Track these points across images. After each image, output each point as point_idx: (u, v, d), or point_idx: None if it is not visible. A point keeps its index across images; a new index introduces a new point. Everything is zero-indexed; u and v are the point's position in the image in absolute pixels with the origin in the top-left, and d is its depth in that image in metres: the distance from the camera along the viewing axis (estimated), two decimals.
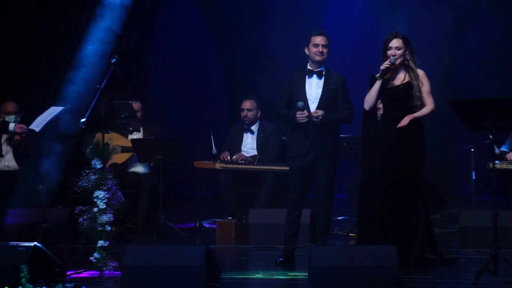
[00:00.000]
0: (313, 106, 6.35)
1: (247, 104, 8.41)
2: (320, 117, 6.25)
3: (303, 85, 6.40)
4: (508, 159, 7.92)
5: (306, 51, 6.42)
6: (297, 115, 6.29)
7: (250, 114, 8.39)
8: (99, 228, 5.86)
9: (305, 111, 6.29)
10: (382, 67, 6.01)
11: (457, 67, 10.66)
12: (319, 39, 6.36)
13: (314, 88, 6.40)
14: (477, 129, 5.80)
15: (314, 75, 6.40)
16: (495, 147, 6.75)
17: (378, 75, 6.05)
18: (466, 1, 10.23)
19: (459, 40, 10.60)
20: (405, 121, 5.95)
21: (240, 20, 10.77)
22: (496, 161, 7.05)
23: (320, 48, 6.34)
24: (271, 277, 5.89)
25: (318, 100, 6.35)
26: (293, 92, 6.43)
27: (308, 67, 6.43)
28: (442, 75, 10.42)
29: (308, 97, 6.37)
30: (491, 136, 5.62)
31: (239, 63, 10.91)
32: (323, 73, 6.40)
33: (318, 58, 6.36)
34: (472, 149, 8.35)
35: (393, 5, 10.33)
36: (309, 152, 6.35)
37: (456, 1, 10.17)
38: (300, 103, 6.29)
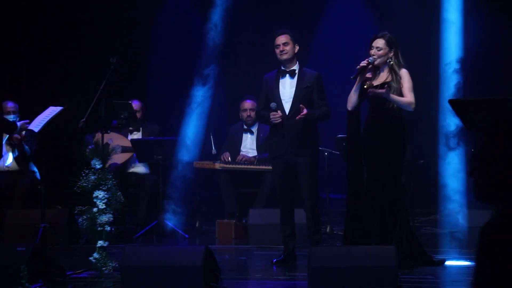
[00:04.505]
0: (287, 106, 6.38)
1: (249, 105, 8.41)
2: (304, 116, 6.21)
3: (277, 86, 6.44)
4: None
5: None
6: (271, 116, 6.32)
7: (253, 114, 8.39)
8: (99, 228, 5.86)
9: (279, 111, 6.31)
10: (357, 67, 5.97)
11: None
12: (278, 40, 6.44)
13: (287, 87, 6.43)
14: (477, 129, 5.79)
15: (287, 75, 6.44)
16: None
17: (352, 75, 5.98)
18: (466, 1, 10.22)
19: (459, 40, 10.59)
20: (376, 90, 5.88)
21: (240, 19, 10.76)
22: None
23: (281, 47, 6.40)
24: (271, 277, 5.89)
25: (291, 99, 6.37)
26: (268, 94, 6.47)
27: (282, 67, 6.48)
28: (441, 76, 10.42)
29: (282, 97, 6.40)
30: None
31: (239, 63, 10.90)
32: (296, 71, 6.42)
33: (282, 57, 6.41)
34: (472, 149, 8.33)
35: (393, 5, 10.33)
36: (286, 153, 6.37)
37: (456, 1, 10.16)
38: (273, 104, 6.34)
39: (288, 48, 6.40)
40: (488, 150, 2.45)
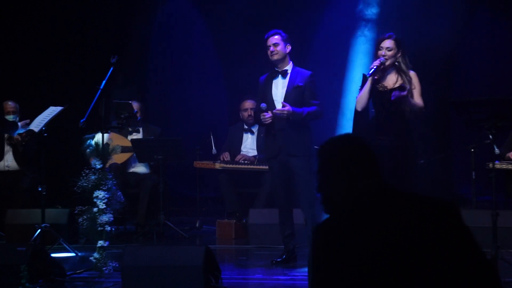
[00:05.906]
0: (278, 106, 6.38)
1: (250, 104, 8.40)
2: (285, 113, 6.24)
3: (270, 87, 6.46)
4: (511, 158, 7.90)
5: None
6: (261, 117, 6.34)
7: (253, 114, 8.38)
8: (99, 228, 5.86)
9: (269, 112, 6.31)
10: (372, 66, 5.98)
11: (457, 67, 10.66)
12: (269, 41, 6.46)
13: (279, 88, 6.45)
14: (477, 129, 5.79)
15: (279, 75, 6.46)
16: (495, 147, 6.73)
17: (368, 74, 5.99)
18: (466, 1, 10.23)
19: (459, 40, 10.60)
20: (398, 92, 5.90)
21: (240, 20, 10.77)
22: (496, 161, 7.04)
23: (272, 48, 6.41)
24: (271, 277, 5.89)
25: (283, 99, 6.38)
26: (263, 95, 6.49)
27: (275, 68, 6.50)
28: (441, 76, 10.42)
29: (274, 97, 6.42)
30: (491, 136, 5.62)
31: (239, 63, 10.91)
32: (288, 72, 6.44)
33: (273, 58, 6.43)
34: (472, 149, 8.34)
35: (393, 5, 10.34)
36: (280, 153, 6.38)
37: (456, 2, 10.17)
38: (263, 105, 6.36)
39: (278, 48, 6.40)
40: (322, 169, 2.63)
